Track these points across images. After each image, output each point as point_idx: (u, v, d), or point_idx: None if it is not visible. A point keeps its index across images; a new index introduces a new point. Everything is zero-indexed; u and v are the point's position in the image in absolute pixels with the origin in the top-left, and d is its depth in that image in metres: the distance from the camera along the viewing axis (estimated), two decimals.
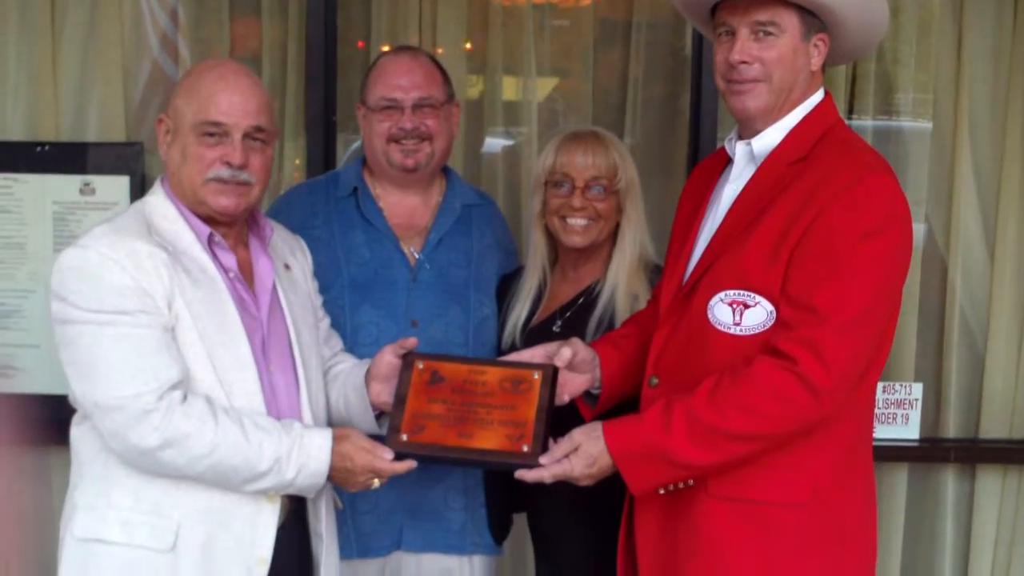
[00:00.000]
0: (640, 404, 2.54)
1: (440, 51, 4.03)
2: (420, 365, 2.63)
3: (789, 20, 2.39)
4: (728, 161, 2.56)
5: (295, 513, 2.55)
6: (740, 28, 2.41)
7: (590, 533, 2.93)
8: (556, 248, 3.05)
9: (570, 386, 2.68)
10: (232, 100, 2.46)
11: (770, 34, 2.39)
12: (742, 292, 2.36)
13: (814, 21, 2.41)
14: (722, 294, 2.39)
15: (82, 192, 3.78)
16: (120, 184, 3.78)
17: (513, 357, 2.74)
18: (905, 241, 2.38)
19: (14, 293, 3.81)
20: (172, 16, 4.00)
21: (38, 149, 3.81)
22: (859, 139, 2.55)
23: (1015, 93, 3.91)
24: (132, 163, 3.80)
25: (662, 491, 2.44)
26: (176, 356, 2.35)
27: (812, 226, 2.29)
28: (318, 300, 2.84)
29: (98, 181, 3.78)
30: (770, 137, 2.45)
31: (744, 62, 2.40)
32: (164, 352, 2.33)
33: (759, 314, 2.35)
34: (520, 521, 3.22)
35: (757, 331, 2.35)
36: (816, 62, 2.45)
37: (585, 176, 2.92)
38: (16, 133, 3.89)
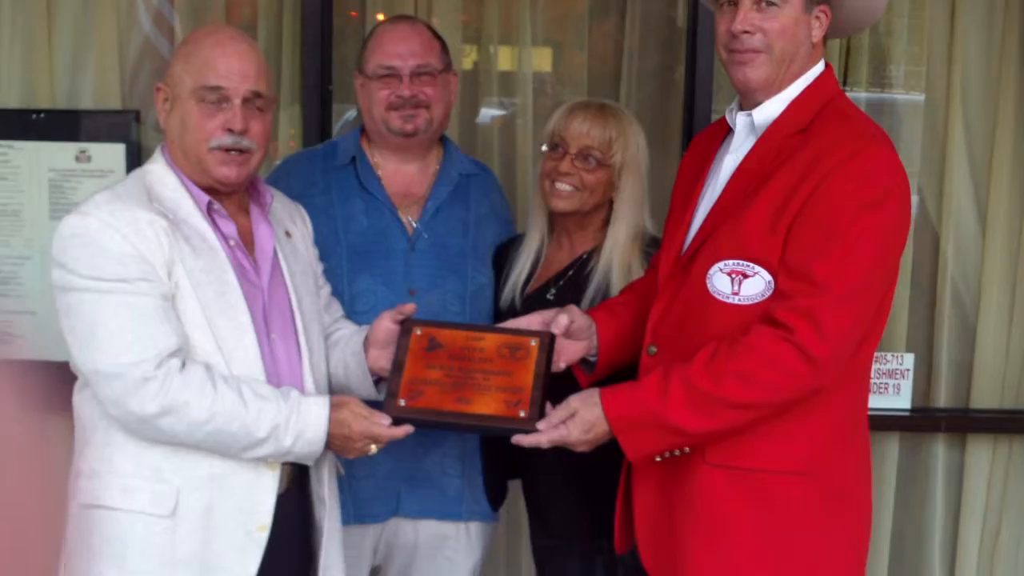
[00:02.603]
0: (639, 373, 2.55)
1: (435, 21, 4.02)
2: (418, 331, 2.63)
3: None
4: (728, 131, 2.56)
5: (297, 479, 2.56)
6: None
7: (584, 499, 2.96)
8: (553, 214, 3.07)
9: (566, 353, 2.68)
10: (231, 65, 2.46)
11: (772, 4, 2.38)
12: (741, 262, 2.37)
13: None
14: (721, 264, 2.39)
15: (78, 159, 3.78)
16: (116, 151, 3.78)
17: (510, 324, 2.75)
18: (904, 213, 2.39)
19: (10, 260, 3.81)
20: None
21: (34, 116, 3.81)
22: (859, 111, 2.55)
23: (1007, 66, 3.91)
24: (128, 130, 3.81)
25: (658, 459, 2.45)
26: (175, 324, 2.35)
27: (812, 197, 2.29)
28: (319, 267, 2.84)
29: (94, 148, 3.78)
30: (771, 108, 2.45)
31: (746, 31, 2.39)
32: (163, 320, 2.34)
33: (758, 284, 2.36)
34: (516, 487, 3.24)
35: (756, 301, 2.36)
36: (817, 34, 2.44)
37: (578, 143, 2.92)
38: (12, 100, 3.88)
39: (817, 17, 2.43)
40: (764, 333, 2.31)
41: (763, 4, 2.39)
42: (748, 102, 2.49)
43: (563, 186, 2.92)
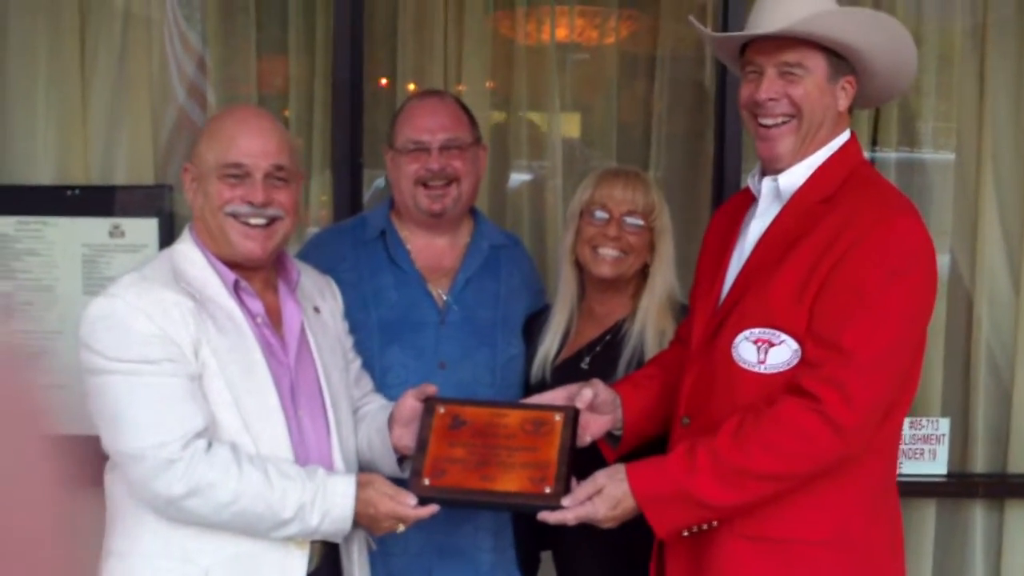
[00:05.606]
0: (670, 444, 2.55)
1: (464, 88, 4.06)
2: (441, 410, 2.63)
3: (816, 62, 2.40)
4: (754, 200, 2.57)
5: (328, 556, 2.55)
6: (767, 68, 2.43)
7: (615, 570, 2.94)
8: (583, 284, 3.07)
9: (592, 427, 2.67)
10: (252, 143, 2.48)
11: (794, 74, 2.40)
12: (767, 330, 2.36)
13: (842, 64, 2.42)
14: (747, 332, 2.39)
15: (111, 235, 3.81)
16: (149, 226, 3.82)
17: (534, 399, 2.75)
18: (930, 281, 2.38)
19: (43, 335, 3.83)
20: (199, 58, 4.05)
21: (68, 193, 3.85)
22: (883, 179, 2.55)
23: None
24: (161, 205, 3.85)
25: (686, 533, 2.43)
26: (201, 404, 2.36)
27: (838, 265, 2.29)
28: (348, 342, 2.84)
29: (127, 224, 3.82)
30: (796, 174, 2.45)
31: (772, 99, 2.41)
32: (189, 401, 2.34)
33: (784, 352, 2.35)
34: (547, 557, 3.22)
35: (781, 369, 2.35)
36: (843, 104, 2.45)
37: (622, 208, 2.94)
38: (46, 177, 3.93)
39: (843, 88, 2.44)
40: (791, 403, 2.30)
41: (787, 72, 2.41)
42: (771, 170, 2.50)
43: (610, 251, 2.94)
